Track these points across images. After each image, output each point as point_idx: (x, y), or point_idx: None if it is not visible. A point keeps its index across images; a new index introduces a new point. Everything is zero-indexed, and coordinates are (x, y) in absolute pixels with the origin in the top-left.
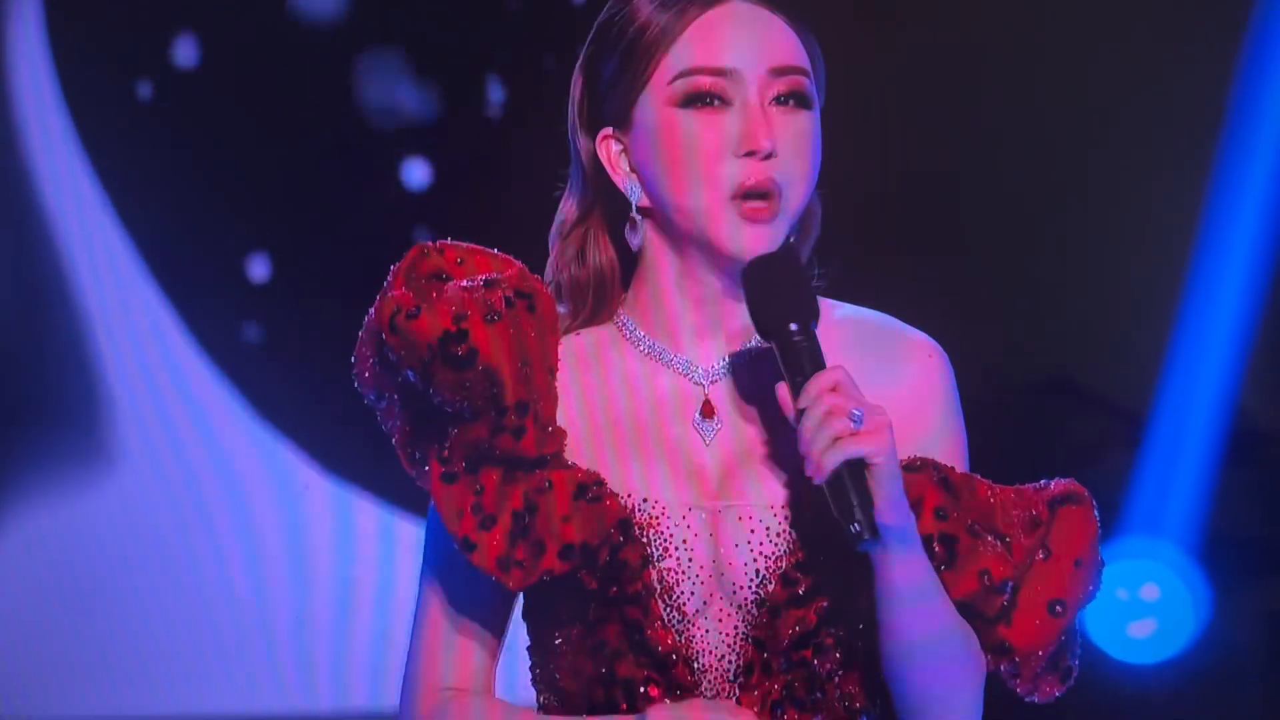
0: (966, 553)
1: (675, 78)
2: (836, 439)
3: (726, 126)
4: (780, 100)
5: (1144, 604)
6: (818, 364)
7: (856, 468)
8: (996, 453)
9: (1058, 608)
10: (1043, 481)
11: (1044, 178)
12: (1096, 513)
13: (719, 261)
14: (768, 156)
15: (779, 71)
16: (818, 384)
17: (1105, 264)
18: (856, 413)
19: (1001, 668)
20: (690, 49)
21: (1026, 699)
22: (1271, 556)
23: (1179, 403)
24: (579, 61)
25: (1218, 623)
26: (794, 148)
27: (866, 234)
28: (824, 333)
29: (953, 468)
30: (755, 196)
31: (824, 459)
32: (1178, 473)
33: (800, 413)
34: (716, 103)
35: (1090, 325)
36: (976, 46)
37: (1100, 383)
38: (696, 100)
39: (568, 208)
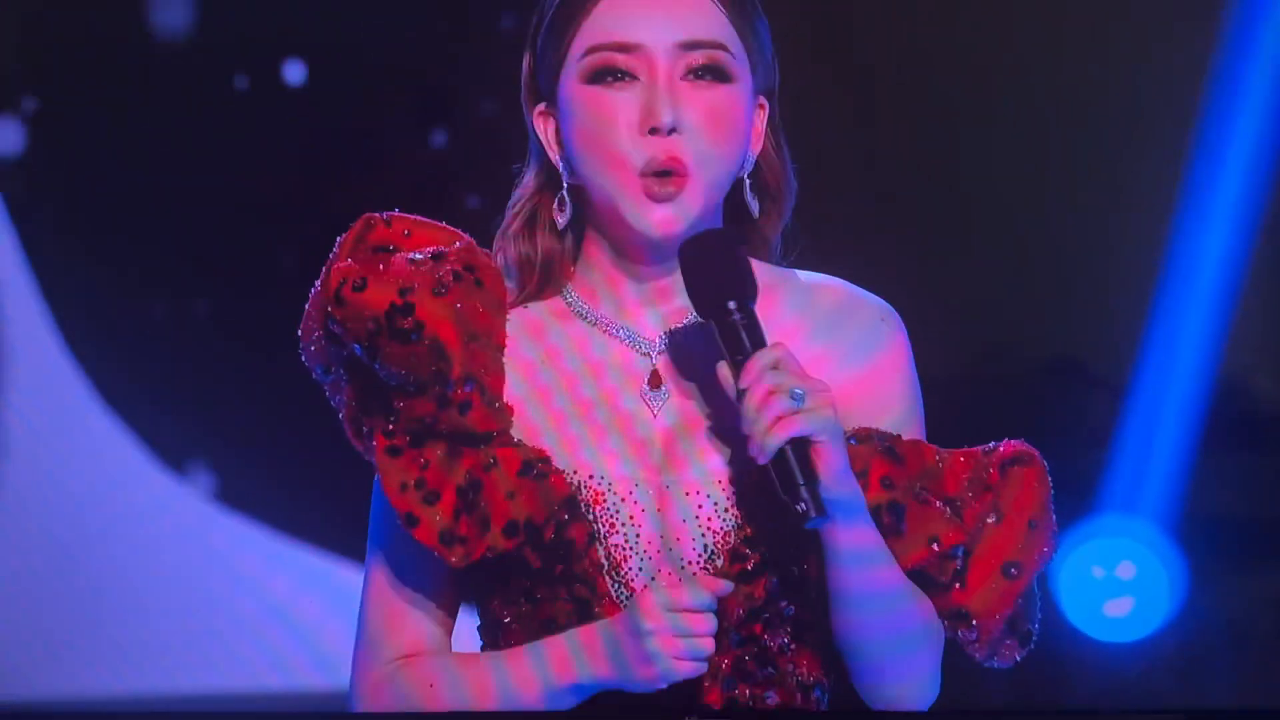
0: (915, 520)
1: (585, 53)
2: (779, 418)
3: (632, 103)
4: (692, 74)
5: (1120, 582)
6: (758, 342)
7: (801, 445)
8: (972, 430)
9: (1012, 570)
10: (991, 444)
11: (1025, 162)
12: (1048, 473)
13: (634, 238)
14: (671, 131)
15: (689, 45)
16: (758, 362)
17: (1084, 244)
18: (798, 391)
19: (959, 634)
20: (600, 23)
21: (985, 664)
22: (1247, 536)
23: (1157, 382)
24: (527, 38)
25: (1194, 602)
26: (705, 123)
27: (852, 219)
28: (785, 299)
29: (899, 435)
30: (659, 174)
31: (766, 439)
32: (1155, 452)
33: (741, 392)
34: (624, 78)
35: (1069, 305)
36: (963, 38)
37: (1078, 362)
38: (603, 76)
39: (523, 182)
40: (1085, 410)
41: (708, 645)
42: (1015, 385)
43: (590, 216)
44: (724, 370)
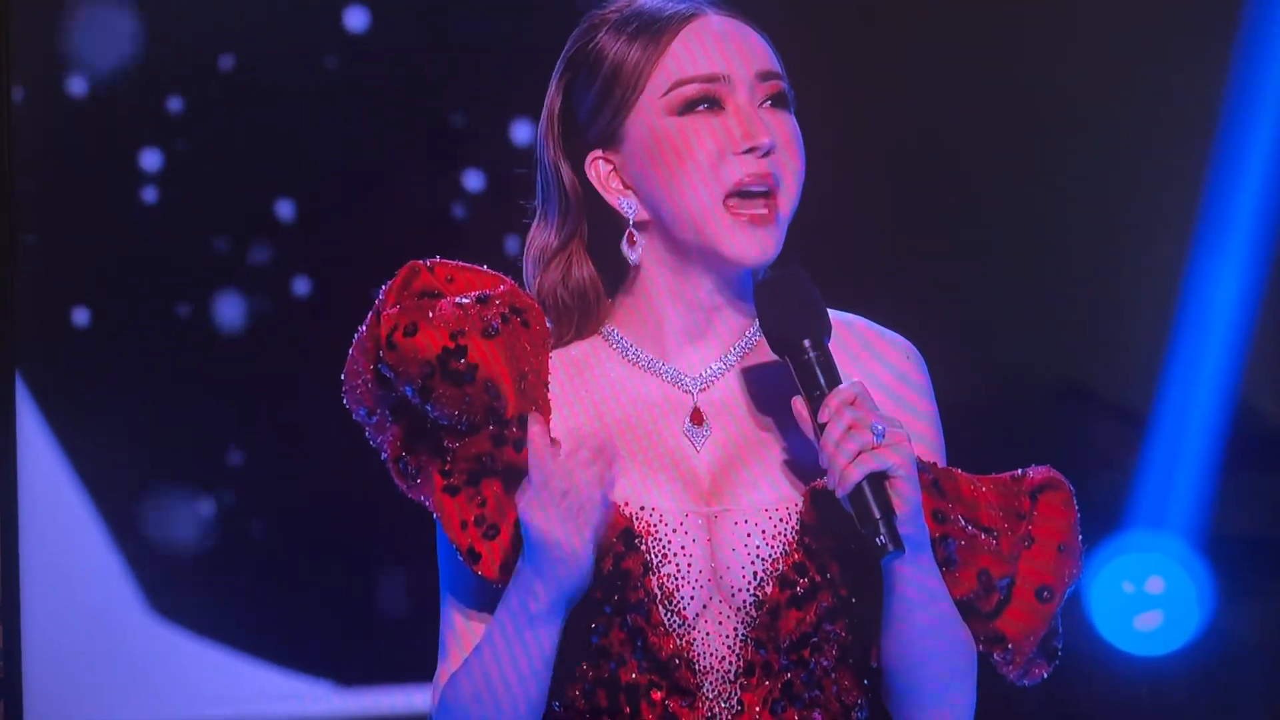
0: (966, 554)
1: (670, 89)
2: (860, 452)
3: (724, 128)
4: (769, 102)
5: (1150, 597)
6: (834, 378)
7: (878, 480)
8: (999, 453)
9: (1045, 594)
10: (1019, 471)
11: (1041, 186)
12: (1074, 496)
13: (718, 267)
14: (768, 152)
15: (765, 76)
16: (838, 398)
17: (1105, 267)
18: (879, 426)
19: (994, 656)
20: (680, 60)
21: (1018, 684)
22: (1274, 551)
23: (1181, 399)
24: (549, 96)
25: (1222, 615)
26: (788, 145)
27: (866, 240)
28: None
29: (935, 464)
30: (753, 196)
31: (848, 472)
32: (1181, 468)
33: (821, 427)
34: (713, 106)
35: (1093, 326)
36: (975, 53)
37: (1104, 381)
38: (694, 105)
39: (546, 236)
40: (1111, 429)
41: (579, 484)
42: (1039, 408)
43: (652, 253)
44: (799, 406)
